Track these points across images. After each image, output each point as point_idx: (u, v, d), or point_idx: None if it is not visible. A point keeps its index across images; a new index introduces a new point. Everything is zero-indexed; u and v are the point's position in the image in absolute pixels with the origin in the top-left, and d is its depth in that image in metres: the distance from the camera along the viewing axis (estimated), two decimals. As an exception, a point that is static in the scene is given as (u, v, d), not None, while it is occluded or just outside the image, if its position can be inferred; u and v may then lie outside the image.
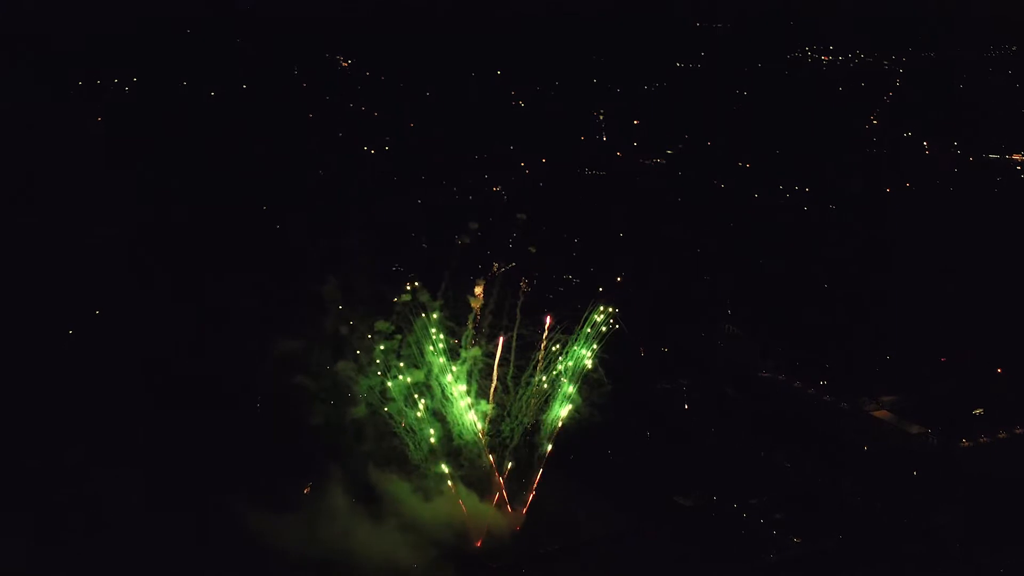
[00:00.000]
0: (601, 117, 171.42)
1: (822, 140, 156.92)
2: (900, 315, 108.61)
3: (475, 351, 69.85)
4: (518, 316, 69.43)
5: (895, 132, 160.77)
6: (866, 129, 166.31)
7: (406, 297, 68.73)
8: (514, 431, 73.12)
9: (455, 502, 73.10)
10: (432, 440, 71.08)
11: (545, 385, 73.31)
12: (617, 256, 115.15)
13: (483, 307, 69.67)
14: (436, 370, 69.24)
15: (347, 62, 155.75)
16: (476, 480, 74.26)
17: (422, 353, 69.14)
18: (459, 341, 69.98)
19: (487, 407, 71.69)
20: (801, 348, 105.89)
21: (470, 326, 68.99)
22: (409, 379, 68.83)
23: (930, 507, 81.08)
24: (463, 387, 71.02)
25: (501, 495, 75.25)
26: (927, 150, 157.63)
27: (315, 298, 72.86)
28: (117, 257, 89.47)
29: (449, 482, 72.80)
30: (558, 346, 74.35)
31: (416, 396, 69.61)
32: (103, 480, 69.96)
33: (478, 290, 68.86)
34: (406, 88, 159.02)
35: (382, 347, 68.57)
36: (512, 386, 72.24)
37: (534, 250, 71.48)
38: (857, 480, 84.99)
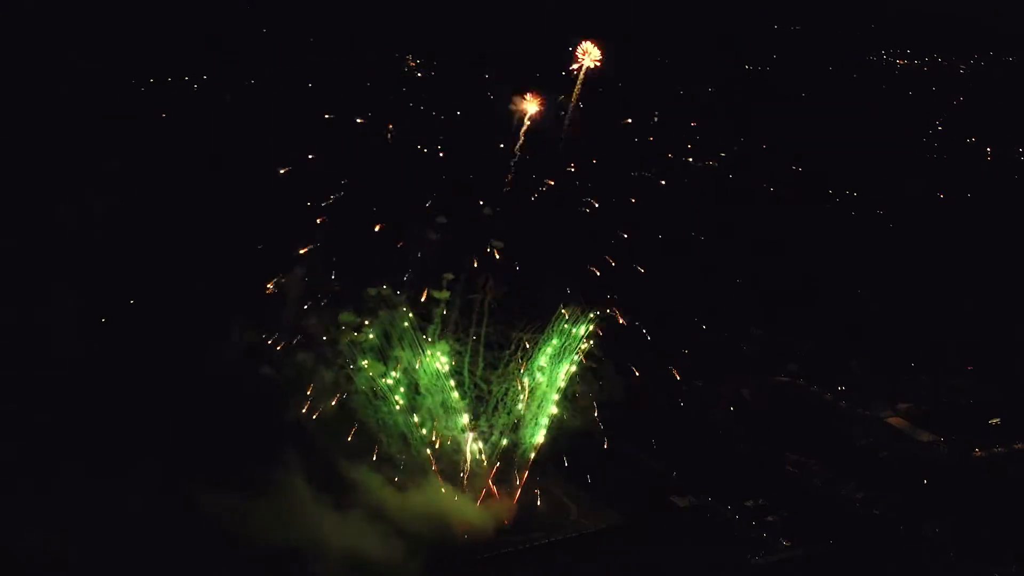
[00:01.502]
0: (656, 118, 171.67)
1: (877, 143, 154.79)
2: (930, 324, 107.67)
3: (442, 345, 71.34)
4: (485, 312, 70.71)
5: (956, 138, 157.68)
6: (927, 134, 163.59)
7: (373, 291, 70.24)
8: (496, 425, 74.66)
9: (441, 494, 74.93)
10: (419, 431, 73.12)
11: (527, 380, 74.39)
12: (646, 254, 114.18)
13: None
14: (416, 363, 71.00)
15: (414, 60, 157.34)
16: (464, 473, 75.93)
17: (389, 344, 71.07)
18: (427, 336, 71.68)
19: (462, 404, 73.35)
20: (825, 353, 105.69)
21: (437, 321, 70.39)
22: (393, 373, 70.61)
23: (926, 515, 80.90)
24: (449, 381, 72.73)
25: (488, 488, 76.97)
26: (989, 156, 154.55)
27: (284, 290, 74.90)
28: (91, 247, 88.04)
29: (436, 475, 74.88)
30: (552, 342, 75.60)
31: (395, 388, 71.82)
32: (69, 470, 70.84)
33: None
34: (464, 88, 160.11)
35: (348, 340, 70.14)
36: (494, 379, 73.75)
37: (501, 245, 72.19)
38: (859, 485, 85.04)
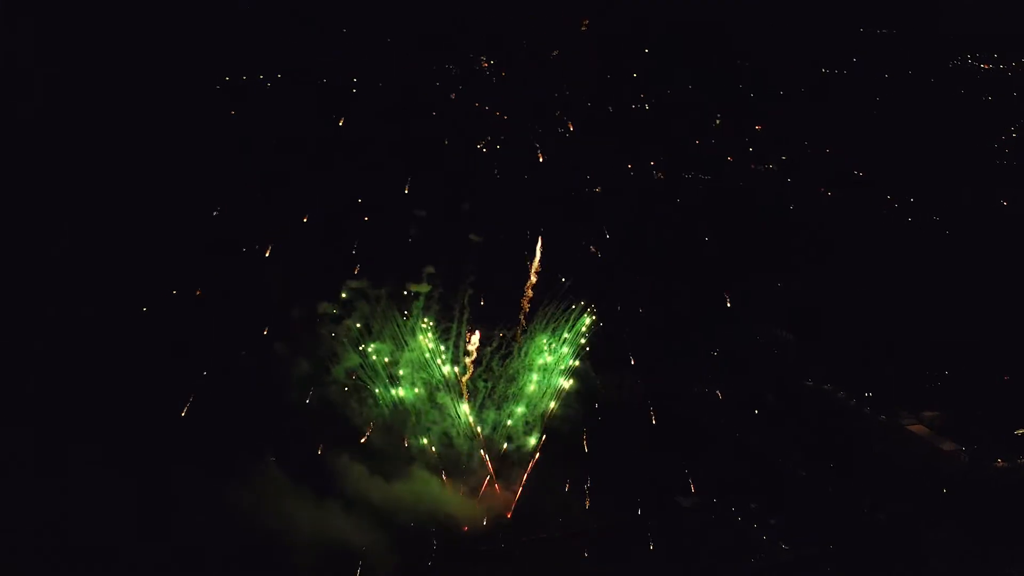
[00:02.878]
0: (718, 121, 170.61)
1: (939, 150, 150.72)
2: (967, 332, 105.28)
3: (422, 338, 72.88)
4: (466, 307, 72.01)
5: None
6: (998, 140, 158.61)
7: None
8: (486, 420, 76.39)
9: (430, 487, 76.56)
10: (416, 420, 75.17)
11: (519, 376, 75.85)
12: (682, 253, 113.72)
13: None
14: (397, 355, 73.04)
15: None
16: (465, 465, 77.91)
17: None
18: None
19: (447, 398, 75.05)
20: (856, 358, 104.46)
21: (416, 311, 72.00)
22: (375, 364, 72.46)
23: (932, 523, 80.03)
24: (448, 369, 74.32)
25: (491, 481, 78.67)
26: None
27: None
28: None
29: (439, 465, 76.77)
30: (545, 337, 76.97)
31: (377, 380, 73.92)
32: (58, 452, 72.41)
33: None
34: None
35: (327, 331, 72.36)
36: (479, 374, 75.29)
37: (479, 239, 73.60)
38: (869, 492, 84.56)
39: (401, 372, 73.95)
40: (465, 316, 73.32)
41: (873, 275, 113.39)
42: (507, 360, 75.71)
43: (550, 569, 76.53)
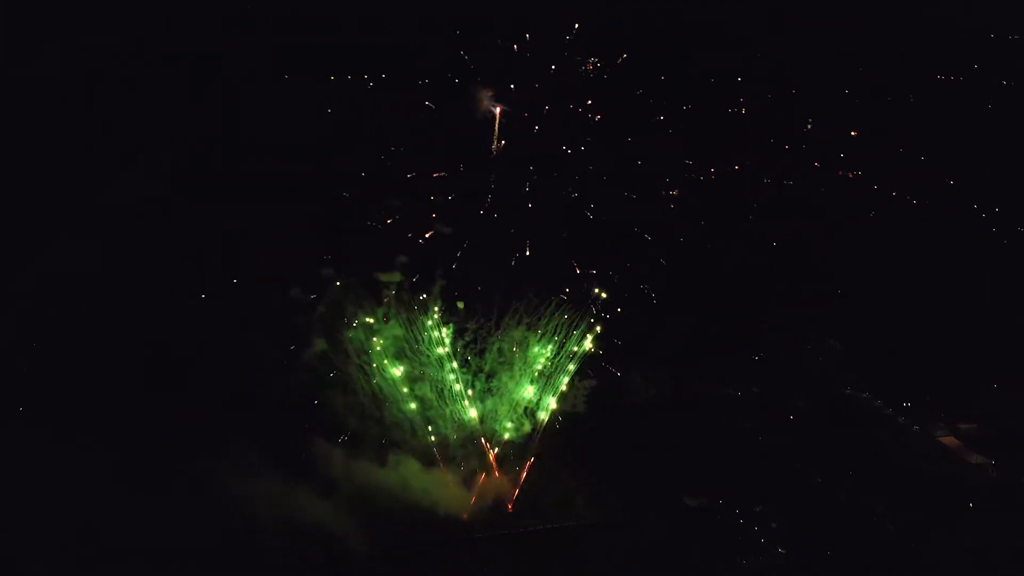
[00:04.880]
0: (809, 125, 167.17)
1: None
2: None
3: (393, 325, 74.84)
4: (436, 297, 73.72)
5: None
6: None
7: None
8: (462, 410, 77.36)
9: (441, 471, 78.36)
10: (413, 407, 76.67)
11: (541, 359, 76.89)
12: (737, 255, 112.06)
13: None
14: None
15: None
16: (464, 452, 79.44)
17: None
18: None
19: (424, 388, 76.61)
20: (902, 368, 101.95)
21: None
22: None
23: (942, 534, 78.10)
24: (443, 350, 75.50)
25: (490, 469, 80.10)
26: None
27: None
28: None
29: (435, 450, 78.46)
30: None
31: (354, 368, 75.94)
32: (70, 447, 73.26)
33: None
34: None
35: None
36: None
37: (449, 230, 74.86)
38: (883, 501, 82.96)
39: (378, 362, 75.92)
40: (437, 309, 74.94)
41: (932, 285, 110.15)
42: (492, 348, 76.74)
43: (545, 560, 77.68)
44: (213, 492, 72.50)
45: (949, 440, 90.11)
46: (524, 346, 78.23)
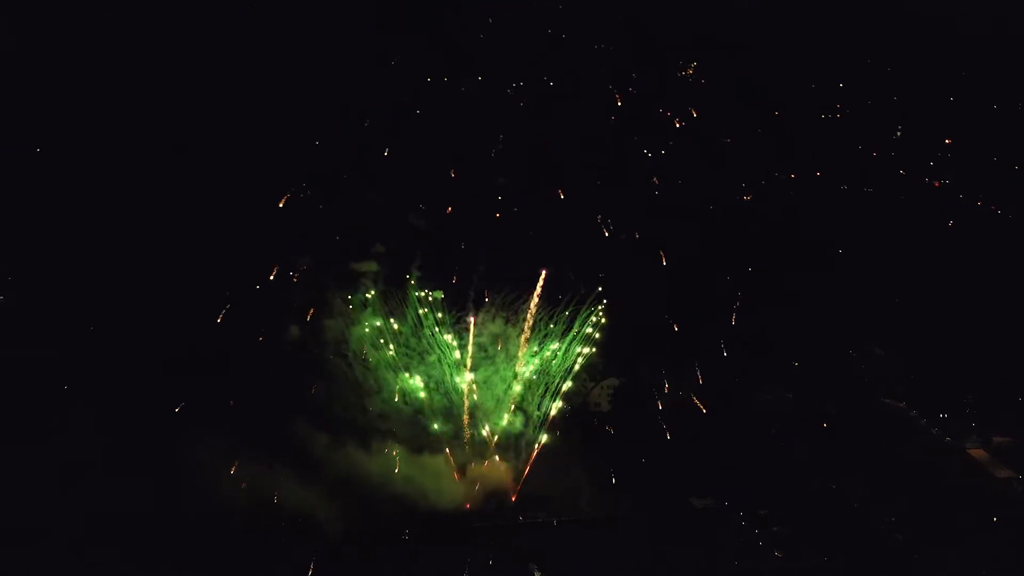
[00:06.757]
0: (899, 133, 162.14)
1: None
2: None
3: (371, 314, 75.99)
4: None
5: None
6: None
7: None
8: (502, 399, 78.16)
9: (446, 462, 79.35)
10: (422, 396, 77.79)
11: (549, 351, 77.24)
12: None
13: None
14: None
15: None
16: (470, 443, 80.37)
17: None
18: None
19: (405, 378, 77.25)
20: (941, 380, 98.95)
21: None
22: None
23: (950, 546, 75.80)
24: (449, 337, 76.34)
25: (494, 460, 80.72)
26: None
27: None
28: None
29: (442, 441, 79.51)
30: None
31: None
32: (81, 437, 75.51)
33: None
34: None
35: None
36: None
37: (422, 223, 75.58)
38: (895, 511, 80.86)
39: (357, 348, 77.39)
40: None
41: (983, 298, 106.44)
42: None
43: (544, 552, 78.20)
44: (193, 475, 74.16)
45: (978, 452, 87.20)
46: (505, 340, 78.89)
